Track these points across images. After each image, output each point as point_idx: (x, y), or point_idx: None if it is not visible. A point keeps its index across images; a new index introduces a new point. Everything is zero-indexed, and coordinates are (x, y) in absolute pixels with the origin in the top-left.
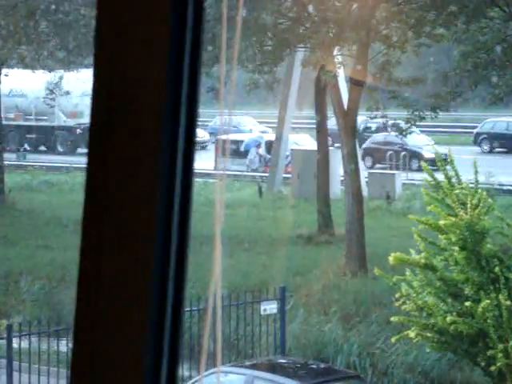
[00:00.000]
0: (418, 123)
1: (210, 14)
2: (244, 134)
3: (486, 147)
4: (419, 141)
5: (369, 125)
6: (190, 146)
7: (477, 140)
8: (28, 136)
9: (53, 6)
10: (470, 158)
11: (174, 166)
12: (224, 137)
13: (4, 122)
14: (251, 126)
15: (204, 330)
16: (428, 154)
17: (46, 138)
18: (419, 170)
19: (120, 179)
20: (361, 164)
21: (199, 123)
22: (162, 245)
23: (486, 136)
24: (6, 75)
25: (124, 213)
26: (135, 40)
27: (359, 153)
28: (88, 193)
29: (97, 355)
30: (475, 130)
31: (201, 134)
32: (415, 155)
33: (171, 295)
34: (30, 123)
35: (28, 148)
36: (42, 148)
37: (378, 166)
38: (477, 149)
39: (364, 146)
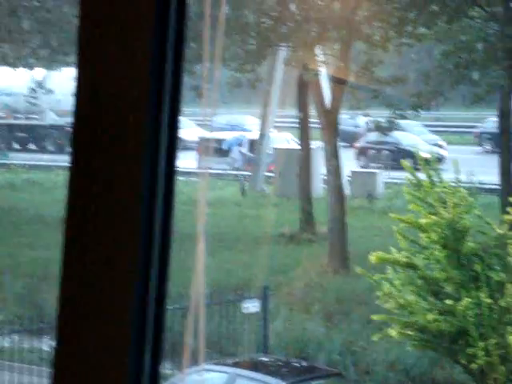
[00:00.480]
0: (399, 122)
1: (192, 11)
2: (232, 133)
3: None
4: (413, 140)
5: None
6: (173, 144)
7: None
8: (18, 134)
9: (35, 3)
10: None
11: (157, 164)
12: (207, 135)
13: None
14: (254, 125)
15: (187, 327)
16: (423, 154)
17: (35, 136)
18: (417, 170)
19: (103, 177)
20: (355, 163)
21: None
22: (144, 243)
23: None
24: None
25: (107, 211)
26: (118, 38)
27: (353, 152)
28: (71, 191)
29: (79, 353)
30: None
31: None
32: (409, 155)
33: (154, 292)
34: (19, 122)
35: (17, 147)
36: (32, 147)
37: (372, 165)
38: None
39: (358, 145)
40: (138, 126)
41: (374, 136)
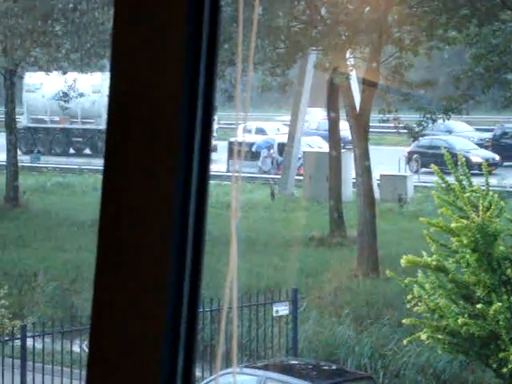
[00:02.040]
0: (430, 125)
1: (226, 12)
2: (262, 136)
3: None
4: (465, 145)
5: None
6: (206, 146)
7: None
8: (74, 139)
9: (70, 5)
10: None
11: (190, 166)
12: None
13: (49, 126)
14: (284, 128)
15: (220, 329)
16: (475, 158)
17: (91, 141)
18: (473, 175)
19: (136, 180)
20: (406, 168)
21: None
22: (177, 245)
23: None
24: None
25: (141, 213)
26: (151, 40)
27: (404, 157)
28: (105, 194)
29: (113, 355)
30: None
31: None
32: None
33: (187, 295)
34: (75, 126)
35: (73, 151)
36: (87, 151)
37: (423, 170)
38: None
39: (409, 149)
40: (172, 128)
41: (425, 140)
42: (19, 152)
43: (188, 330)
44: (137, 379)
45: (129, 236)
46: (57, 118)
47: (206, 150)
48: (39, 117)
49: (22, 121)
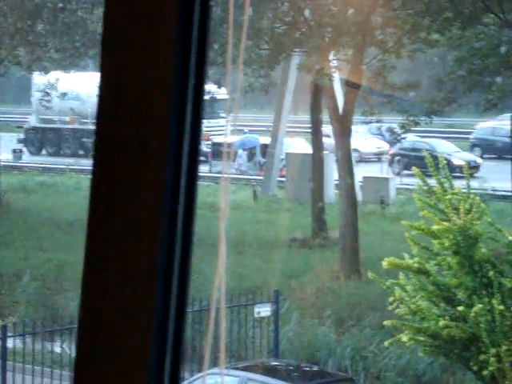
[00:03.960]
0: (412, 128)
1: (215, 13)
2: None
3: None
4: (448, 147)
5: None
6: (195, 146)
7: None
8: (83, 140)
9: (60, 5)
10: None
11: (179, 167)
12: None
13: (59, 126)
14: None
15: (207, 328)
16: (457, 160)
17: None
18: (456, 177)
19: (125, 181)
20: (389, 170)
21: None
22: (166, 246)
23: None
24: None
25: (130, 214)
26: (142, 39)
27: (387, 158)
28: (93, 194)
29: (101, 355)
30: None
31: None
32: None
33: (175, 295)
34: (85, 127)
35: (82, 152)
36: None
37: (405, 172)
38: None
39: (391, 151)
40: (162, 128)
41: (408, 143)
42: (27, 152)
43: (176, 330)
44: (124, 379)
45: (117, 237)
46: (66, 118)
47: (195, 150)
48: (48, 117)
49: (31, 121)
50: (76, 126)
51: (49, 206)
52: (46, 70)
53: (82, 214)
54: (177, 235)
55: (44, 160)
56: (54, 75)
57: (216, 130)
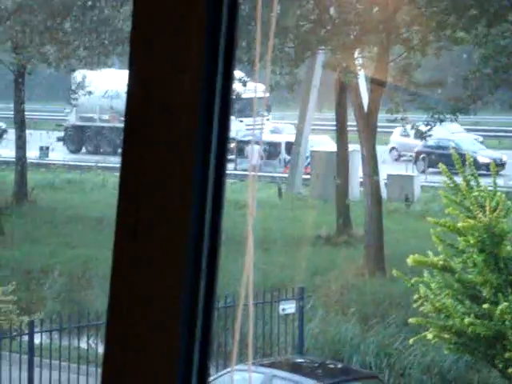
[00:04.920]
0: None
1: (244, 11)
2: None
3: None
4: (473, 145)
5: None
6: (223, 145)
7: None
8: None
9: (89, 3)
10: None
11: (208, 165)
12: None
13: (98, 124)
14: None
15: (235, 325)
16: (482, 158)
17: None
18: (480, 175)
19: (154, 178)
20: (413, 168)
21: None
22: (194, 242)
23: None
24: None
25: (158, 211)
26: (170, 39)
27: (412, 156)
28: (122, 191)
29: (128, 352)
30: None
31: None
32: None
33: (203, 292)
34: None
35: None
36: None
37: (430, 170)
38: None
39: (416, 149)
40: (190, 125)
41: (433, 140)
42: (67, 151)
43: (204, 327)
44: (153, 377)
45: (145, 234)
46: (106, 117)
47: (223, 149)
48: (88, 115)
49: (70, 119)
50: (116, 123)
51: (76, 203)
52: (74, 68)
53: (108, 210)
54: (205, 233)
55: (79, 158)
56: (92, 73)
57: (243, 127)
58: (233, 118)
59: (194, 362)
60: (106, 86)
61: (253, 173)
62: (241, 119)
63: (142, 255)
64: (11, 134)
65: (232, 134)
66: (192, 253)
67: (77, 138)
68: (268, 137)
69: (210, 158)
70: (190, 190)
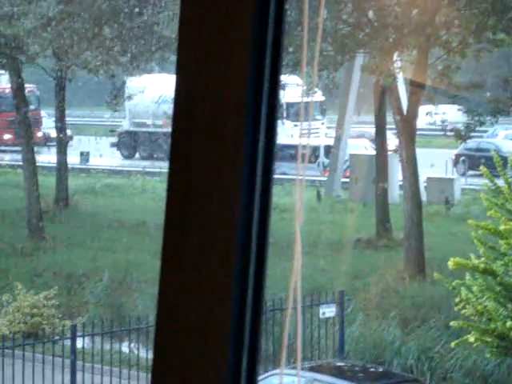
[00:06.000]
0: (477, 128)
1: (290, 16)
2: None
3: None
4: None
5: None
6: (270, 149)
7: None
8: None
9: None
10: None
11: (255, 169)
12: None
13: (152, 130)
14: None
15: (283, 328)
16: None
17: None
18: None
19: (201, 182)
20: (453, 171)
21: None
22: (242, 246)
23: None
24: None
25: (205, 215)
26: (217, 42)
27: (451, 159)
28: (170, 196)
29: (178, 356)
30: None
31: None
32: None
33: (251, 296)
34: None
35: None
36: None
37: (470, 172)
38: None
39: (456, 152)
40: (237, 131)
41: (473, 143)
42: (121, 156)
43: (252, 331)
44: (202, 380)
45: (193, 238)
46: (160, 122)
47: (270, 153)
48: (142, 120)
49: (124, 125)
50: (169, 128)
51: (116, 208)
52: (114, 74)
53: (148, 215)
54: (252, 236)
55: (133, 163)
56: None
57: (283, 132)
58: (288, 121)
59: (242, 368)
60: (160, 91)
61: (301, 177)
62: (295, 123)
63: (190, 261)
64: (76, 141)
65: (289, 139)
66: (240, 256)
67: (130, 143)
68: (314, 141)
69: (257, 162)
70: (238, 195)
